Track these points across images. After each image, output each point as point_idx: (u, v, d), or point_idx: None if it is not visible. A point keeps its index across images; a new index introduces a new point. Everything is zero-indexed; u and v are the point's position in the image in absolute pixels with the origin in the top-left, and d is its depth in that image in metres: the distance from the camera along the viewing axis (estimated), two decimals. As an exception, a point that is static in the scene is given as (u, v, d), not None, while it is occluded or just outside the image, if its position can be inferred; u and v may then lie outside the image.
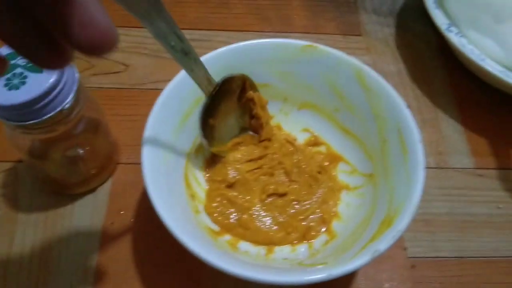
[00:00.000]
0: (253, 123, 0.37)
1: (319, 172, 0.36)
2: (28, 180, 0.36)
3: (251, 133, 0.37)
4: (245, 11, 0.51)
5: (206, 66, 0.30)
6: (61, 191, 0.36)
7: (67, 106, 0.28)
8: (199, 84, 0.31)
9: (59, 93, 0.27)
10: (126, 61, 0.45)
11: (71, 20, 0.14)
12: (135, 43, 0.46)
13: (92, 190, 0.36)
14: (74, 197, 0.36)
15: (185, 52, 0.27)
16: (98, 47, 0.15)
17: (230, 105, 0.35)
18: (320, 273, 0.25)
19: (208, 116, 0.33)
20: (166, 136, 0.32)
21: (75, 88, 0.28)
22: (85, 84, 0.42)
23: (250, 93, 0.35)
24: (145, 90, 0.43)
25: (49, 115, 0.27)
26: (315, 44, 0.35)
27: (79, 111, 0.30)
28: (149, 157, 0.29)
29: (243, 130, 0.37)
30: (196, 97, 0.34)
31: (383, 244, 0.26)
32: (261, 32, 0.49)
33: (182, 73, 0.33)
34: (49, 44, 0.16)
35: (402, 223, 0.26)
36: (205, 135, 0.33)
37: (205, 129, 0.33)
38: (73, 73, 0.28)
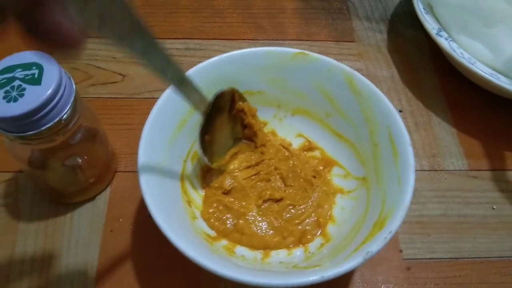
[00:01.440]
0: (246, 133, 0.37)
1: (314, 177, 0.37)
2: (28, 190, 0.37)
3: (245, 141, 0.38)
4: (239, 20, 0.51)
5: (201, 75, 0.30)
6: (61, 200, 0.36)
7: (64, 116, 0.28)
8: (195, 107, 0.31)
9: (56, 104, 0.27)
10: (123, 71, 0.45)
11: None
12: (132, 54, 0.47)
13: (91, 199, 0.37)
14: (73, 206, 0.36)
15: (180, 81, 0.28)
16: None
17: (223, 119, 0.35)
18: (313, 275, 0.25)
19: (204, 133, 0.33)
20: (162, 145, 0.32)
21: (72, 99, 0.29)
22: (83, 94, 0.43)
23: (240, 104, 0.35)
24: (141, 99, 0.44)
25: (47, 126, 0.27)
26: (306, 52, 0.35)
27: (76, 121, 0.30)
28: (145, 166, 0.29)
29: (237, 140, 0.37)
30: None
31: (375, 245, 0.26)
32: (256, 40, 0.49)
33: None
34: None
35: (393, 224, 0.27)
36: (204, 152, 0.34)
37: (203, 146, 0.33)
38: (70, 84, 0.29)
